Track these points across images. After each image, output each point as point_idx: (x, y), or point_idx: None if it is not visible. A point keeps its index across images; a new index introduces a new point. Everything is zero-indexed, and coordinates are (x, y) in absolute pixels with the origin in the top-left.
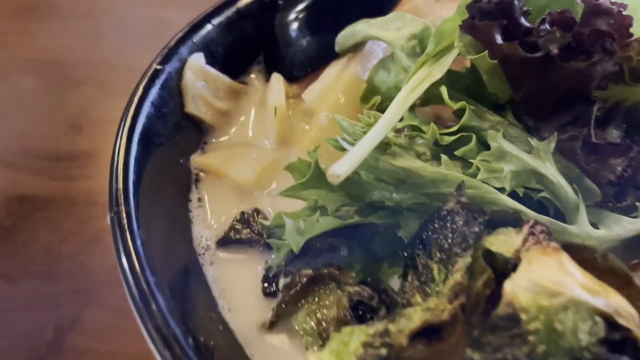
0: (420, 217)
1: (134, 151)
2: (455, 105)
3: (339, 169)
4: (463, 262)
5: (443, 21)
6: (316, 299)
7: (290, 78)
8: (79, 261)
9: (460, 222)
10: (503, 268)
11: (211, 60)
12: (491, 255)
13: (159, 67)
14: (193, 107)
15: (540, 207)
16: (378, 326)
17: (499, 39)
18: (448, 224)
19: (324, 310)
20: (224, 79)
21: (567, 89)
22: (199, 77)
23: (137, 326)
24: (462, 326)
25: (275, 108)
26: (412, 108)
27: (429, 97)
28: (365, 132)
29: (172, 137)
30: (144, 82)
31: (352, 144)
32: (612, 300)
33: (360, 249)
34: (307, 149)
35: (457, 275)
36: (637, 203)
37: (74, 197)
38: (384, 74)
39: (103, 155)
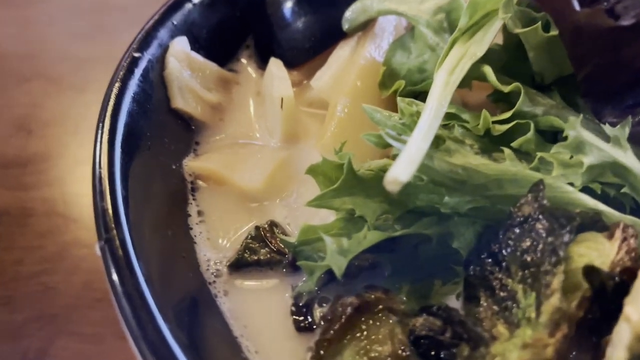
0: (474, 224)
1: (118, 159)
2: (507, 88)
3: (401, 173)
4: (558, 281)
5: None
6: (364, 332)
7: (288, 63)
8: (42, 283)
9: (543, 231)
10: (604, 284)
11: (195, 45)
12: (593, 270)
13: (137, 54)
14: (181, 101)
15: (618, 206)
16: None
17: (576, 5)
18: (528, 234)
19: (376, 347)
20: (212, 66)
21: (634, 70)
22: (184, 65)
23: (118, 355)
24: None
25: (282, 99)
26: None
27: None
28: (405, 125)
29: (160, 139)
30: (121, 74)
31: (398, 140)
32: None
33: (406, 266)
34: (328, 147)
35: (554, 300)
36: None
37: (29, 208)
38: (403, 55)
39: (59, 159)
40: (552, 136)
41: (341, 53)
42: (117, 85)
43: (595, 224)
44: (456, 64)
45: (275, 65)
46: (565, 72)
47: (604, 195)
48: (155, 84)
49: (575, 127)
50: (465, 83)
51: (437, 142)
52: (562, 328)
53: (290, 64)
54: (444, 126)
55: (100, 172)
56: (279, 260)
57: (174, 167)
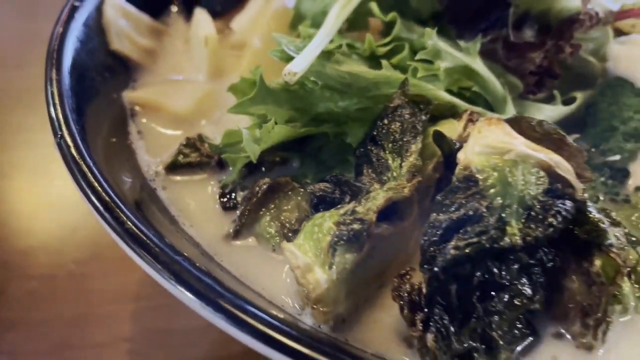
0: (365, 124)
1: (67, 81)
2: (387, 17)
3: (295, 66)
4: (416, 146)
5: None
6: (276, 205)
7: (212, 13)
8: None
9: (408, 115)
10: (451, 150)
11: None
12: (441, 137)
13: (77, 3)
14: (118, 43)
15: (472, 103)
16: (347, 207)
17: None
18: (397, 118)
19: (286, 214)
20: (145, 18)
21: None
22: (120, 14)
23: (68, 291)
24: (417, 208)
25: (206, 38)
26: (339, 32)
27: (355, 21)
28: (304, 44)
29: (102, 73)
30: (64, 18)
31: (296, 52)
32: (551, 156)
33: (311, 159)
34: (246, 74)
35: (412, 158)
36: (555, 92)
37: None
38: (309, 2)
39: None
40: None
41: (256, 1)
42: (60, 28)
43: (454, 114)
44: (349, 1)
45: (200, 12)
46: (437, 8)
47: (462, 95)
48: (96, 29)
49: (432, 37)
50: (361, 23)
51: (329, 56)
52: (417, 177)
53: (214, 14)
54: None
55: (51, 89)
56: (208, 162)
57: (114, 96)
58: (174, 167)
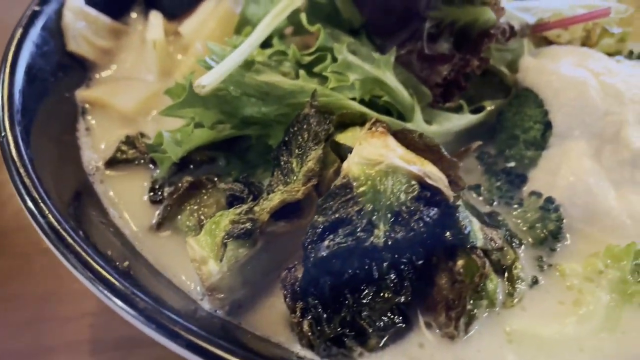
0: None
1: (18, 84)
2: (312, 28)
3: (205, 80)
4: (315, 153)
5: None
6: (197, 201)
7: (170, 16)
8: None
9: (314, 123)
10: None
11: (91, 1)
12: (338, 145)
13: (37, 8)
14: (74, 45)
15: (387, 112)
16: (244, 207)
17: None
18: (305, 126)
19: (204, 209)
20: (105, 19)
21: (401, 10)
22: (79, 17)
23: (41, 269)
24: (316, 206)
25: (154, 42)
26: (282, 36)
27: (298, 27)
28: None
29: (55, 74)
30: (23, 23)
31: (217, 63)
32: (425, 168)
33: (237, 159)
34: (184, 76)
35: (310, 164)
36: (461, 102)
37: None
38: (255, 7)
39: None
40: None
41: (206, 6)
42: (19, 32)
43: (364, 122)
44: (282, 11)
45: (153, 16)
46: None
47: (376, 104)
48: (54, 32)
49: (342, 52)
50: (299, 31)
51: (251, 65)
52: (312, 181)
53: (172, 17)
54: (264, 55)
55: (1, 91)
56: (143, 158)
57: (67, 95)
58: (112, 163)
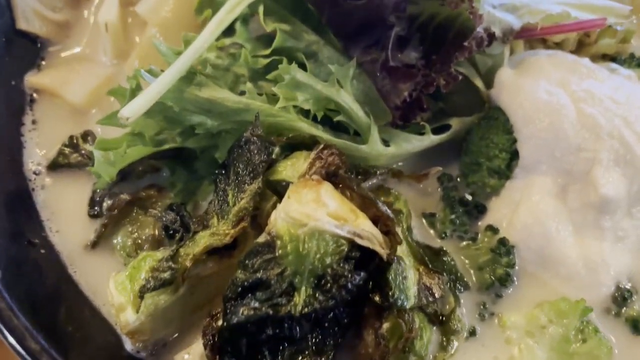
0: (235, 139)
1: None
2: (268, 28)
3: (126, 111)
4: (251, 190)
5: None
6: (134, 220)
7: None
8: None
9: (254, 151)
10: (285, 192)
11: None
12: (272, 184)
13: None
14: (24, 23)
15: (340, 128)
16: (166, 252)
17: None
18: (244, 152)
19: (140, 232)
20: None
21: (362, 17)
22: None
23: None
24: (253, 239)
25: (106, 24)
26: (247, 22)
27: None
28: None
29: (2, 58)
30: None
31: (159, 73)
32: (359, 224)
33: (183, 168)
34: (131, 66)
35: (243, 202)
36: (423, 123)
37: None
38: None
39: None
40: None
41: None
42: None
43: (314, 144)
44: (237, 3)
45: None
46: None
47: (330, 119)
48: (1, 8)
49: (289, 71)
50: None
51: (193, 77)
52: (243, 223)
53: None
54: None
55: None
56: (86, 163)
57: (13, 83)
58: (54, 167)
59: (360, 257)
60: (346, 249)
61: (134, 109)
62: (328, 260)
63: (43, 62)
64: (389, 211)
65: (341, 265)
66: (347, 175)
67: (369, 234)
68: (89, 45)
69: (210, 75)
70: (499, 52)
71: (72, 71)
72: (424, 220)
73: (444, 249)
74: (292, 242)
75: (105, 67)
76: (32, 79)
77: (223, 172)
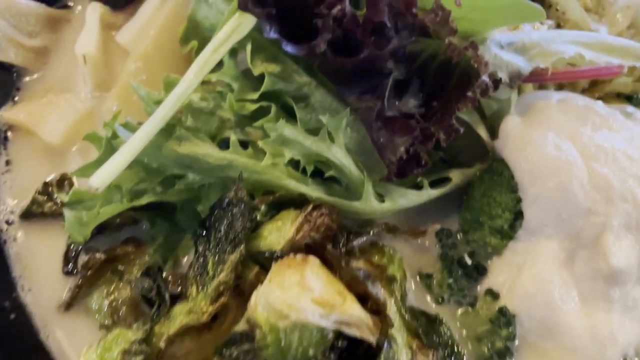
0: (219, 191)
1: None
2: (256, 71)
3: (95, 180)
4: (232, 260)
5: None
6: (110, 280)
7: (115, 3)
8: None
9: (237, 214)
10: (268, 263)
11: None
12: (254, 255)
13: None
14: None
15: (331, 182)
16: (139, 332)
17: (271, 30)
18: (227, 215)
19: (118, 292)
20: (38, 8)
21: (357, 66)
22: (6, 14)
23: None
24: (235, 310)
25: (84, 56)
26: (235, 54)
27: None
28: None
29: None
30: None
31: (136, 127)
32: (346, 309)
33: (163, 221)
34: (110, 108)
35: (223, 275)
36: (421, 178)
37: None
38: (206, 8)
39: None
40: None
41: (150, 5)
42: None
43: (303, 202)
44: (223, 42)
45: (91, 13)
46: None
47: (321, 173)
48: None
49: (276, 128)
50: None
51: (172, 130)
52: (221, 299)
53: (115, 6)
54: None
55: None
56: (61, 213)
57: None
58: (27, 216)
59: (348, 344)
60: (332, 338)
61: (104, 177)
62: (311, 352)
63: (19, 94)
64: (380, 293)
65: (326, 355)
66: (335, 253)
67: (357, 319)
68: (67, 73)
69: (191, 128)
70: (506, 97)
71: (49, 105)
72: (420, 281)
73: (440, 317)
74: (273, 332)
75: (85, 100)
76: (5, 114)
77: (204, 233)
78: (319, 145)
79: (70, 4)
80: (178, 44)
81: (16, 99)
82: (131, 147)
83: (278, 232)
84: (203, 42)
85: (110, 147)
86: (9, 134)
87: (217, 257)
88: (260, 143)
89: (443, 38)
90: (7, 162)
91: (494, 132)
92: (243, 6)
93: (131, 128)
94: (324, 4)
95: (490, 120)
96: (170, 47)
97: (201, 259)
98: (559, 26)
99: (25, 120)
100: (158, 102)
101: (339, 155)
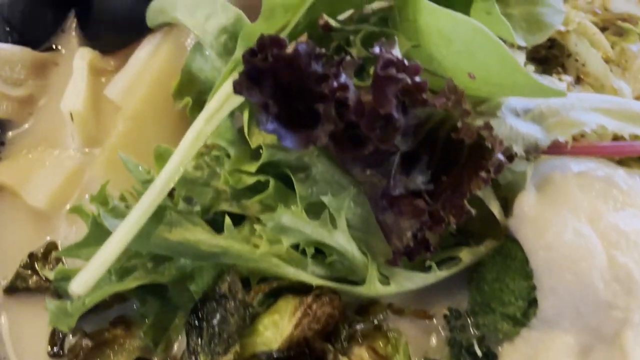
0: (213, 270)
1: None
2: (253, 143)
3: (77, 287)
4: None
5: (246, 25)
6: None
7: (104, 49)
8: None
9: (231, 310)
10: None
11: (4, 29)
12: (251, 357)
13: None
14: None
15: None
16: None
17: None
18: (220, 309)
19: None
20: (23, 53)
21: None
22: None
23: None
24: None
25: (71, 114)
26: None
27: None
28: (143, 187)
29: None
30: None
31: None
32: None
33: (154, 298)
34: (101, 172)
35: None
36: (429, 262)
37: None
38: (201, 60)
39: None
40: None
41: (140, 55)
42: None
43: (302, 288)
44: (218, 108)
45: (78, 63)
46: None
47: (322, 255)
48: None
49: (274, 218)
50: None
51: (162, 214)
52: None
53: (106, 50)
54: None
55: None
56: (47, 287)
57: None
58: (12, 291)
59: None
60: None
61: (86, 282)
62: None
63: (3, 149)
64: None
65: None
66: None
67: None
68: (55, 124)
69: (183, 212)
70: (521, 169)
71: (35, 163)
72: None
73: None
74: None
75: (73, 157)
76: None
77: (196, 323)
78: (320, 232)
79: (58, 46)
80: (171, 99)
81: (1, 154)
82: (116, 244)
83: (275, 327)
84: (198, 97)
85: (97, 227)
86: None
87: (210, 358)
88: (257, 228)
89: (455, 119)
90: None
91: (506, 205)
92: (238, 91)
93: (118, 213)
94: (326, 84)
95: (504, 191)
96: (162, 103)
97: (193, 358)
98: (578, 79)
99: (8, 180)
100: (147, 182)
101: (341, 241)
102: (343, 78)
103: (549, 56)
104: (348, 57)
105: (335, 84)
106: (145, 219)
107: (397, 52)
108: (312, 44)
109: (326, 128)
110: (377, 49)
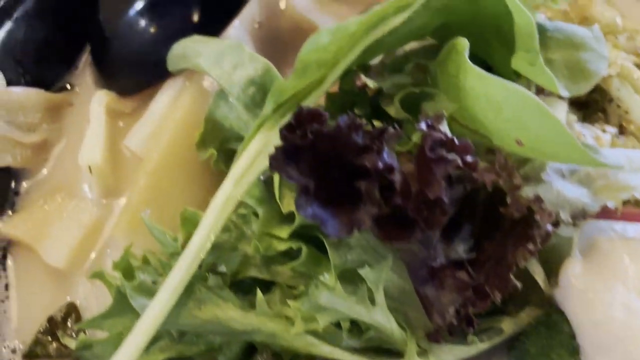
0: (246, 341)
1: None
2: (285, 208)
3: None
4: None
5: (277, 81)
6: None
7: (122, 91)
8: None
9: None
10: None
11: (17, 71)
12: None
13: None
14: None
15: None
16: None
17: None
18: None
19: None
20: (39, 97)
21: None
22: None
23: None
24: None
25: (89, 167)
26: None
27: None
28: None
29: None
30: None
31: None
32: None
33: None
34: (123, 230)
35: None
36: (471, 336)
37: None
38: (226, 107)
39: None
40: None
41: (160, 102)
42: None
43: None
44: (249, 166)
45: (95, 108)
46: None
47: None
48: None
49: (310, 297)
50: None
51: (191, 291)
52: None
53: (123, 92)
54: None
55: None
56: (68, 354)
57: None
58: (30, 357)
59: None
60: None
61: None
62: None
63: (18, 200)
64: None
65: None
66: None
67: None
68: (71, 171)
69: (213, 287)
70: (567, 235)
71: (51, 215)
72: None
73: None
74: None
75: (91, 210)
76: (3, 229)
77: None
78: (358, 310)
79: (72, 85)
80: (194, 149)
81: (15, 207)
82: (145, 329)
83: None
84: (222, 146)
85: (121, 297)
86: (8, 250)
87: None
88: (291, 305)
89: (505, 193)
90: (7, 287)
91: (550, 270)
92: (274, 167)
93: (146, 289)
94: (368, 158)
95: (547, 255)
96: (185, 153)
97: None
98: (621, 128)
99: (24, 235)
100: (175, 254)
101: (380, 318)
102: (386, 155)
103: (590, 100)
104: (390, 129)
105: (379, 163)
106: (175, 298)
107: (445, 127)
108: (352, 116)
109: (369, 210)
110: (423, 125)
